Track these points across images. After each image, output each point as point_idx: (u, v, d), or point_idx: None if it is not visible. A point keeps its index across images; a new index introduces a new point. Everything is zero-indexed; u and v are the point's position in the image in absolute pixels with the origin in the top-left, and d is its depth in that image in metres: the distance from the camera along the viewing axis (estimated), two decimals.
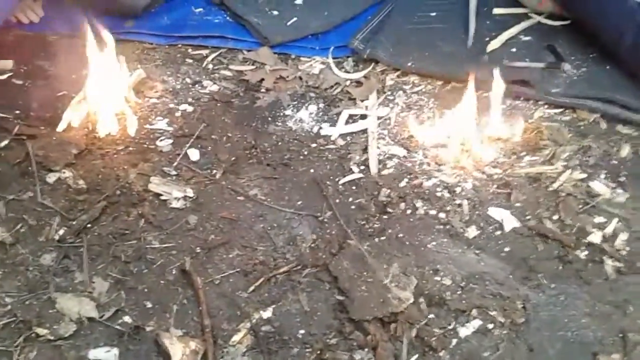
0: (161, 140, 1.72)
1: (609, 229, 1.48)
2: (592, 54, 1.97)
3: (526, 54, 1.99)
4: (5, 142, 1.67)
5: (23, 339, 1.24)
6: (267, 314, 1.32)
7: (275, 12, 2.21)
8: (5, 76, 1.91)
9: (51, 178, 1.59)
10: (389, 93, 1.92)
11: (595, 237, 1.46)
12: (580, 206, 1.54)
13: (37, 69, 1.95)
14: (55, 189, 1.56)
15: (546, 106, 1.85)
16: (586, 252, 1.44)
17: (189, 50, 2.10)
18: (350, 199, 1.58)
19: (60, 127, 1.71)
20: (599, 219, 1.51)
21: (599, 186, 1.59)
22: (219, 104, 1.87)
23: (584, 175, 1.62)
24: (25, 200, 1.53)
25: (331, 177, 1.64)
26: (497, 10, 2.19)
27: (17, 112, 1.77)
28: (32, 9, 2.14)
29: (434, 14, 2.21)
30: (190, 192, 1.57)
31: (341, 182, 1.62)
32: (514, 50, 2.02)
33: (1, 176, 1.58)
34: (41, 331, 1.25)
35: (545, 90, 1.85)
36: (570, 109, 1.83)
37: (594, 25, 1.96)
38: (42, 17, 2.14)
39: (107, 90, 1.73)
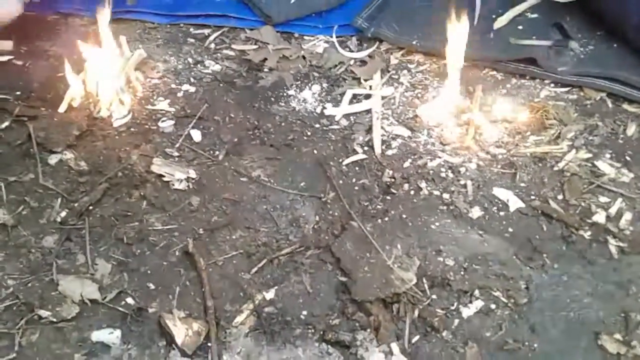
0: (163, 121, 1.71)
1: (613, 209, 1.47)
2: (599, 32, 1.94)
3: (533, 31, 1.96)
4: (6, 123, 1.66)
5: (25, 321, 1.25)
6: (270, 295, 1.33)
7: None
8: (5, 57, 1.90)
9: (52, 159, 1.58)
10: (394, 72, 1.90)
11: (600, 217, 1.45)
12: (585, 186, 1.53)
13: (37, 50, 1.94)
14: (56, 171, 1.56)
15: (552, 85, 1.83)
16: (590, 232, 1.43)
17: (191, 29, 2.08)
18: (354, 180, 1.57)
19: (62, 108, 1.70)
20: (603, 199, 1.50)
21: (604, 166, 1.57)
22: (221, 84, 1.85)
23: (590, 155, 1.60)
24: (26, 182, 1.53)
25: (335, 158, 1.63)
26: None
27: (18, 93, 1.76)
28: None
29: None
30: (192, 174, 1.56)
31: (345, 162, 1.61)
32: (520, 28, 1.99)
33: (2, 158, 1.58)
34: (43, 313, 1.26)
35: (551, 69, 1.82)
36: (577, 87, 1.81)
37: (601, 4, 1.93)
38: None
39: (108, 71, 1.71)
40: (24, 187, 1.52)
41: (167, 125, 1.70)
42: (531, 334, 1.25)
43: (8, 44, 1.93)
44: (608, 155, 1.60)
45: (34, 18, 2.07)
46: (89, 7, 2.08)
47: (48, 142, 1.61)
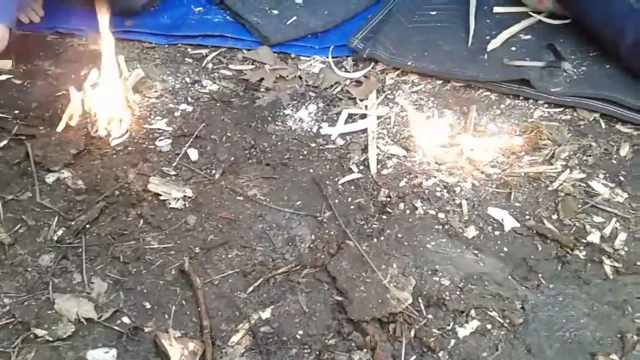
0: (160, 140, 1.72)
1: (607, 229, 1.48)
2: (592, 53, 1.97)
3: (526, 52, 1.99)
4: (4, 142, 1.67)
5: (21, 340, 1.24)
6: (265, 314, 1.32)
7: (275, 11, 2.20)
8: (4, 76, 1.91)
9: (50, 178, 1.58)
10: (389, 92, 1.92)
11: (594, 237, 1.46)
12: (580, 206, 1.54)
13: (36, 69, 1.95)
14: (54, 189, 1.56)
15: (546, 105, 1.85)
16: (585, 252, 1.43)
17: (189, 49, 2.10)
18: (350, 199, 1.58)
19: (60, 127, 1.71)
20: (598, 219, 1.51)
21: (598, 186, 1.59)
22: (218, 104, 1.87)
23: (584, 175, 1.61)
24: (24, 201, 1.53)
25: (330, 177, 1.64)
26: (497, 9, 2.19)
27: (16, 111, 1.77)
28: (33, 9, 2.14)
29: (434, 12, 2.20)
30: (189, 192, 1.57)
31: (340, 182, 1.62)
32: (514, 49, 2.01)
33: (0, 176, 1.58)
34: (39, 332, 1.25)
35: (545, 89, 1.84)
36: (570, 108, 1.83)
37: (595, 24, 1.96)
38: (42, 17, 2.14)
39: (106, 90, 1.73)
40: (22, 205, 1.52)
41: (164, 144, 1.71)
42: (527, 355, 1.25)
43: (7, 63, 1.95)
44: (602, 176, 1.62)
45: (34, 37, 2.09)
46: (88, 27, 2.11)
47: (46, 161, 1.61)
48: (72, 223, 1.48)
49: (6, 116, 1.75)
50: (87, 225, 1.48)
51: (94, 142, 1.69)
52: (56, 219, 1.49)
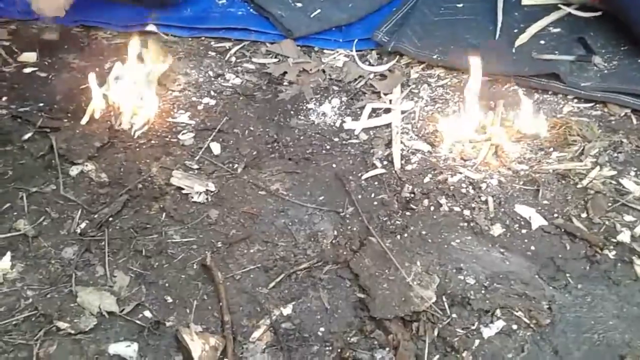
0: (183, 133, 1.72)
1: (638, 228, 1.44)
2: (623, 46, 1.92)
3: (556, 46, 1.94)
4: (29, 134, 1.68)
5: (44, 333, 1.25)
6: (287, 310, 1.31)
7: (299, 4, 2.19)
8: (29, 69, 1.92)
9: (74, 171, 1.59)
10: (414, 86, 1.89)
11: (625, 237, 1.42)
12: (610, 204, 1.50)
13: (61, 62, 1.96)
14: (77, 182, 1.57)
15: (575, 100, 1.80)
16: (615, 252, 1.40)
17: (212, 42, 2.09)
18: (373, 195, 1.55)
19: (84, 120, 1.71)
20: (628, 218, 1.47)
21: (629, 183, 1.54)
22: (241, 98, 1.85)
23: (614, 172, 1.57)
24: (48, 193, 1.54)
25: (354, 172, 1.62)
26: (525, 1, 2.15)
27: (41, 104, 1.78)
28: None
29: (460, 5, 2.17)
30: (211, 186, 1.56)
31: (364, 177, 1.60)
32: (543, 42, 1.97)
33: (25, 169, 1.59)
34: (62, 325, 1.26)
35: (575, 84, 1.80)
36: (601, 103, 1.78)
37: (628, 17, 1.91)
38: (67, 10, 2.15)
39: (130, 83, 1.73)
40: (46, 198, 1.52)
41: (187, 138, 1.71)
42: (554, 356, 1.22)
43: (32, 56, 1.96)
44: (633, 173, 1.57)
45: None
46: (112, 20, 2.11)
47: (70, 154, 1.62)
48: (96, 216, 1.48)
49: (31, 109, 1.76)
50: (110, 219, 1.48)
51: (118, 135, 1.69)
52: (80, 211, 1.49)
